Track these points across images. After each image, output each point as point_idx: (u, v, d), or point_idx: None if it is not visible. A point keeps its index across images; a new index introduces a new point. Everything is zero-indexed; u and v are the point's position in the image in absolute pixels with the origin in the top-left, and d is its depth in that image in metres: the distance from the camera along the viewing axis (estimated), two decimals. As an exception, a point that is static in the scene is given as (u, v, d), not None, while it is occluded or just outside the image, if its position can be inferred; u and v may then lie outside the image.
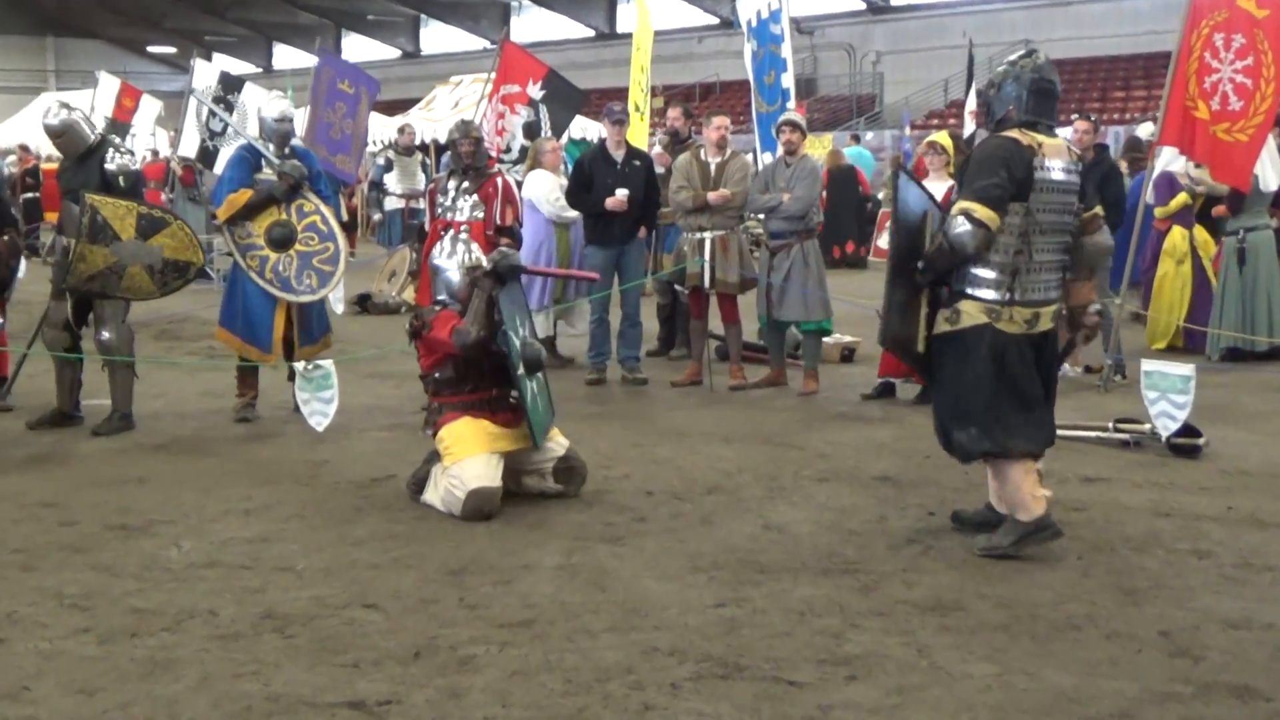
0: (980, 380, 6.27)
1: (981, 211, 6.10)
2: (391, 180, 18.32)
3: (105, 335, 9.14)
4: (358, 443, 8.87)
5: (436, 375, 7.39)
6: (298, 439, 8.90)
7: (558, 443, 7.49)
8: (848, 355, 12.41)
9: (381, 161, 19.10)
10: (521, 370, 7.22)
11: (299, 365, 8.89)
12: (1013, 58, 6.51)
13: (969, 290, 6.28)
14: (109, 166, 9.13)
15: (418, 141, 20.66)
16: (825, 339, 11.60)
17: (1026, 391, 6.32)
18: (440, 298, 7.62)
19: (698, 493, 7.54)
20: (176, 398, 10.51)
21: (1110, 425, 8.88)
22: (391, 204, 18.37)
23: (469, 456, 7.05)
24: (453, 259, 7.55)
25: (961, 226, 6.14)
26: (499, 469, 7.13)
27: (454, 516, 6.96)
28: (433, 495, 7.18)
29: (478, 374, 7.34)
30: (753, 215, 11.54)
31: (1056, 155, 6.29)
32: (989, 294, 6.24)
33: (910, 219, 6.49)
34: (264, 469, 8.15)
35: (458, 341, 7.16)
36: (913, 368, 7.43)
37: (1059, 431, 8.75)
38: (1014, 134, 6.27)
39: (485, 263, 7.47)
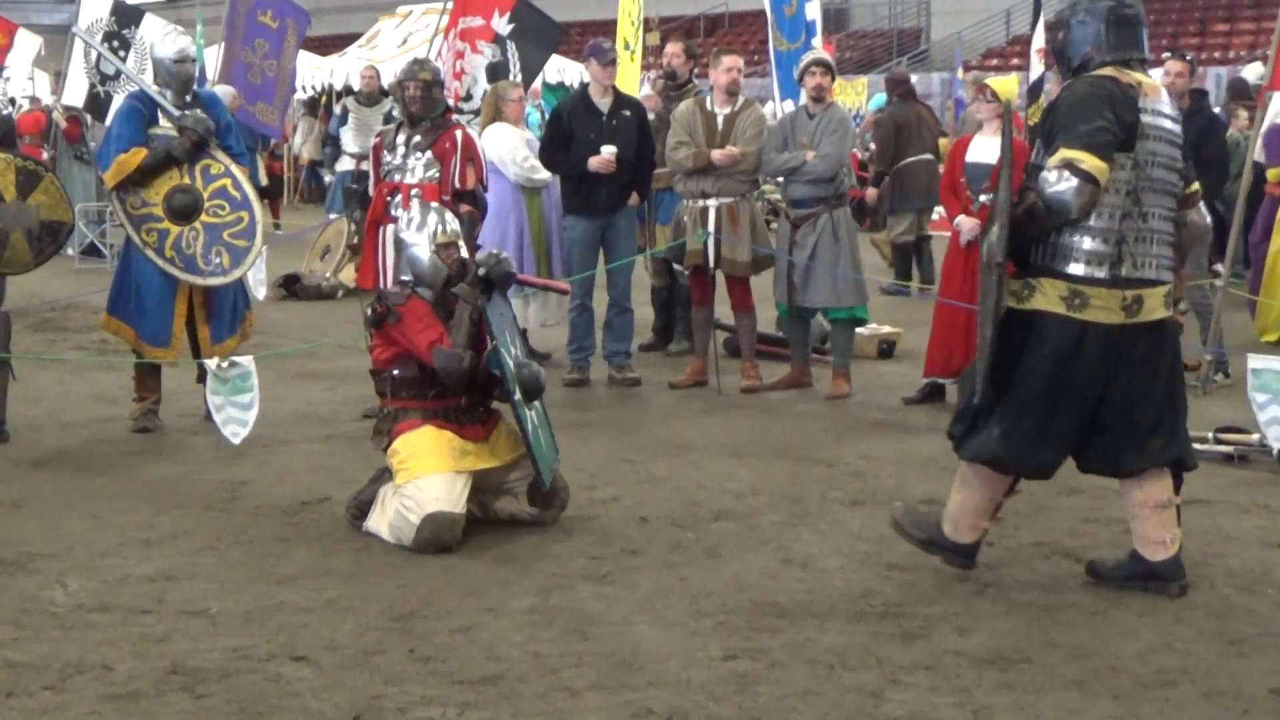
0: (1029, 377, 6.28)
1: (1090, 161, 6.05)
2: (348, 136, 18.18)
3: (-26, 325, 9.15)
4: (284, 458, 8.88)
5: (395, 373, 7.38)
6: (210, 454, 8.91)
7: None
8: (886, 350, 12.43)
9: (338, 111, 19.05)
10: (519, 396, 7.21)
11: (210, 363, 8.89)
12: None
13: (1055, 264, 6.25)
14: None
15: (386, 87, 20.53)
16: (859, 330, 11.63)
17: (1084, 404, 6.30)
18: (405, 278, 7.62)
19: (702, 519, 7.55)
20: (60, 403, 10.52)
21: (1210, 436, 8.91)
22: (343, 165, 18.26)
23: (428, 474, 7.06)
24: (422, 232, 7.51)
25: (1066, 182, 6.09)
26: (464, 493, 7.14)
27: (404, 548, 6.97)
28: (379, 521, 7.19)
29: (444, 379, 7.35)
30: (769, 178, 11.57)
31: (1157, 94, 6.31)
32: (1082, 269, 6.20)
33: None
34: (168, 491, 8.15)
35: (442, 367, 7.16)
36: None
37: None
38: (1109, 71, 6.28)
39: (465, 250, 7.49)
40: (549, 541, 7.17)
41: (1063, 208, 6.13)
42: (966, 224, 10.05)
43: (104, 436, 9.50)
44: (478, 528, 7.27)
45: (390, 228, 9.67)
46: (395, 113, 16.35)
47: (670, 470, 8.54)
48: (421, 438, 7.20)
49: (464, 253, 7.58)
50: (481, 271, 7.36)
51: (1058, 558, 6.89)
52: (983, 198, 10.03)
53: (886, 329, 12.57)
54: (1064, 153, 6.11)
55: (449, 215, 7.73)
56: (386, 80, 20.28)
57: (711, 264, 10.83)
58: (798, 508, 7.78)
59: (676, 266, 11.75)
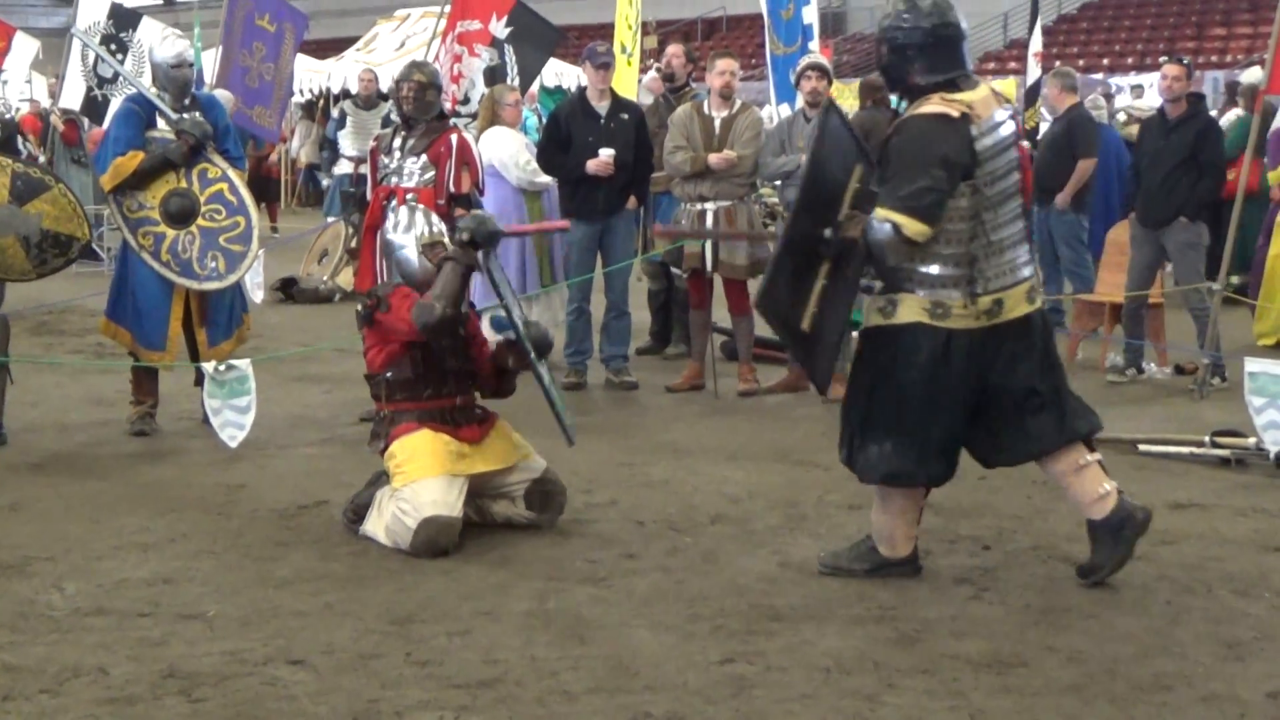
0: (909, 389, 6.37)
1: (911, 227, 6.15)
2: (345, 140, 18.17)
3: (-29, 328, 9.14)
4: (281, 462, 8.88)
5: (389, 375, 7.38)
6: (207, 457, 8.91)
7: (532, 462, 7.51)
8: (884, 353, 12.40)
9: (336, 115, 19.06)
10: (534, 354, 7.28)
11: (208, 366, 8.89)
12: (900, 5, 6.45)
13: (911, 288, 6.36)
14: None
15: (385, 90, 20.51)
16: (855, 333, 11.61)
17: (951, 409, 6.41)
18: (396, 281, 7.62)
19: (699, 523, 7.55)
20: (58, 406, 10.51)
21: (1207, 439, 8.91)
22: (341, 168, 18.25)
23: (425, 478, 7.06)
24: (409, 233, 7.52)
25: (883, 234, 6.20)
26: (460, 496, 7.14)
27: (401, 551, 6.97)
28: (376, 525, 7.18)
29: (439, 376, 7.35)
30: (766, 182, 11.57)
31: (988, 109, 6.34)
32: (940, 294, 6.32)
33: (831, 173, 6.50)
34: (166, 494, 8.15)
35: (418, 319, 7.14)
36: (789, 348, 7.43)
37: (1143, 446, 8.84)
38: (937, 106, 6.27)
39: (447, 236, 7.48)
40: (546, 545, 7.17)
41: (880, 255, 6.28)
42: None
43: (101, 440, 9.49)
44: (475, 531, 7.27)
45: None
46: (393, 116, 16.37)
47: (667, 474, 8.55)
48: (418, 441, 7.19)
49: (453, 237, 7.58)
50: (465, 236, 7.33)
51: (1054, 562, 6.89)
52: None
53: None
54: (886, 213, 6.18)
55: (435, 216, 7.74)
56: (385, 84, 20.32)
57: (709, 267, 10.83)
58: (795, 511, 7.78)
59: (674, 270, 11.75)
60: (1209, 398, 10.69)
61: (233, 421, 8.77)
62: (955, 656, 5.69)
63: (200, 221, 9.40)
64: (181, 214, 9.37)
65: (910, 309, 6.33)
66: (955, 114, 6.21)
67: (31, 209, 9.00)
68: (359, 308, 7.54)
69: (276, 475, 8.54)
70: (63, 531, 7.39)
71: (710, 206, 10.78)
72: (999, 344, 6.39)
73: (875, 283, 6.47)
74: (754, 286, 11.04)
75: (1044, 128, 15.10)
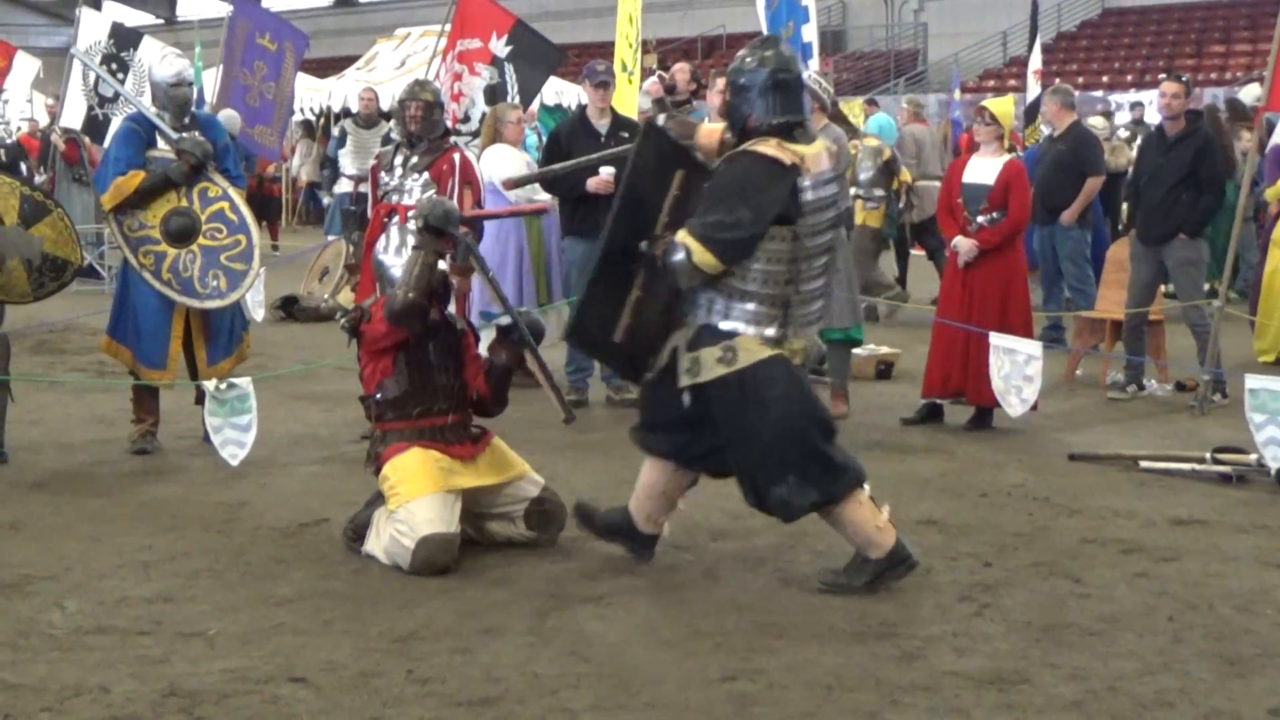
0: (785, 420, 6.48)
1: (700, 256, 6.30)
2: (346, 158, 18.18)
3: (-27, 348, 9.14)
4: (282, 480, 8.87)
5: (378, 396, 7.39)
6: (208, 475, 8.91)
7: (530, 480, 7.50)
8: (884, 371, 12.44)
9: (336, 133, 19.08)
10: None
11: (209, 385, 8.89)
12: (744, 51, 6.69)
13: (739, 328, 6.48)
14: None
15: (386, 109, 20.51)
16: (858, 351, 11.62)
17: (827, 420, 6.67)
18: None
19: (700, 540, 7.55)
20: (58, 424, 10.51)
21: (1208, 456, 8.91)
22: (341, 187, 18.26)
23: (418, 497, 7.05)
24: (401, 254, 7.54)
25: (677, 257, 6.34)
26: (456, 511, 7.14)
27: (401, 570, 6.96)
28: (375, 545, 7.18)
29: (430, 392, 7.35)
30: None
31: (818, 164, 6.50)
32: (755, 329, 6.47)
33: (648, 185, 6.63)
34: (166, 512, 8.15)
35: (386, 311, 7.20)
36: (611, 366, 7.50)
37: (1145, 463, 8.86)
38: (772, 150, 6.40)
39: (445, 265, 7.50)
40: (547, 563, 7.17)
41: (672, 278, 6.45)
42: (964, 245, 10.07)
43: (102, 458, 9.49)
44: (475, 550, 7.27)
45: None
46: (393, 134, 16.33)
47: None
48: (409, 460, 7.19)
49: (444, 266, 7.58)
50: (420, 222, 7.36)
51: (1056, 579, 6.89)
52: (980, 219, 10.05)
53: (885, 350, 12.58)
54: (686, 235, 6.33)
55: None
56: (385, 103, 20.33)
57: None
58: (795, 529, 7.75)
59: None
60: (1210, 414, 10.69)
61: (234, 440, 8.75)
62: (957, 674, 5.68)
63: (201, 240, 9.40)
64: (182, 233, 9.37)
65: (752, 350, 6.47)
66: (787, 161, 6.36)
67: (35, 232, 9.01)
68: (343, 323, 7.56)
69: (277, 493, 8.54)
70: (64, 550, 7.38)
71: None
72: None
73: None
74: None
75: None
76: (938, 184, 18.14)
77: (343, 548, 7.36)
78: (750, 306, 6.45)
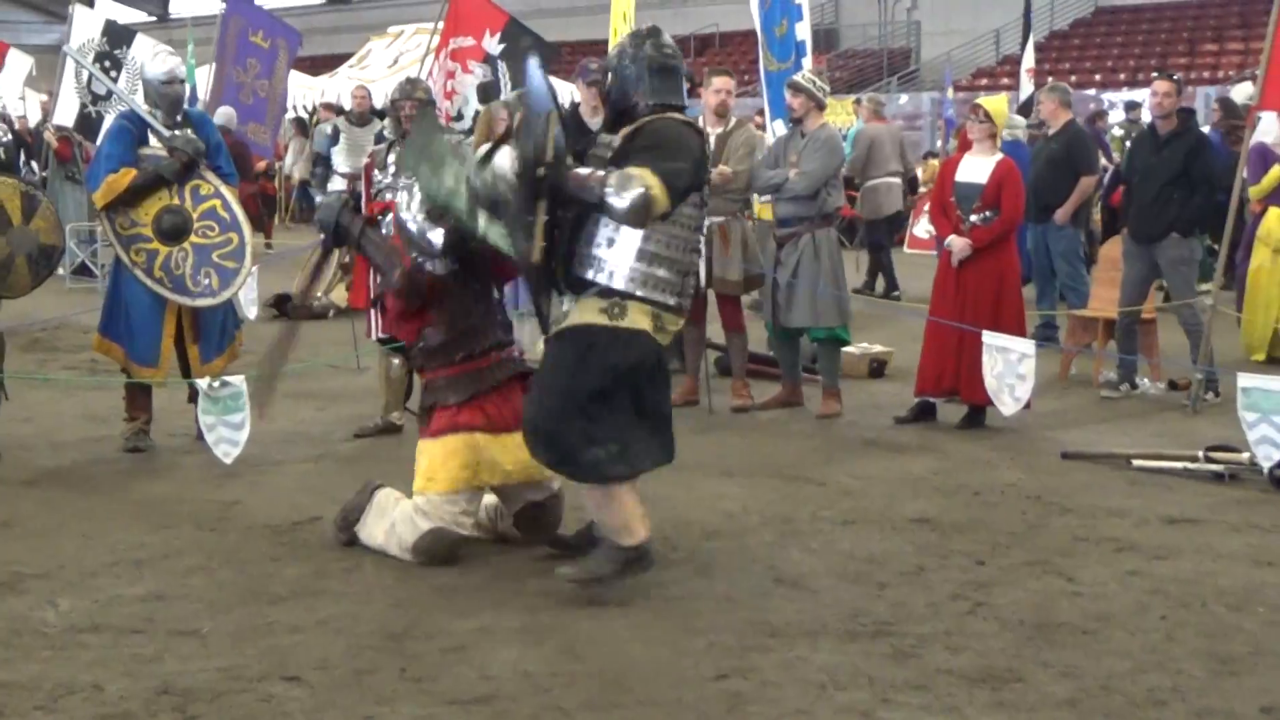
0: (641, 383, 6.54)
1: (661, 200, 6.31)
2: (339, 156, 18.12)
3: (-31, 346, 9.13)
4: (275, 478, 8.87)
5: (422, 344, 7.37)
6: (201, 473, 8.90)
7: (544, 487, 7.37)
8: (877, 369, 12.45)
9: (329, 130, 19.04)
10: (483, 224, 7.07)
11: (201, 383, 8.88)
12: (624, 38, 6.87)
13: (640, 293, 6.47)
14: None
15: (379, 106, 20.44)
16: (850, 349, 11.63)
17: (659, 407, 6.69)
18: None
19: (694, 538, 7.55)
20: (51, 422, 10.50)
21: (1200, 454, 8.92)
22: (335, 185, 18.20)
23: (450, 491, 7.07)
24: (412, 206, 7.45)
25: (637, 192, 6.29)
26: (476, 514, 7.22)
27: (396, 567, 6.96)
28: (374, 527, 7.15)
29: (471, 332, 7.31)
30: (759, 195, 11.58)
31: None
32: (659, 296, 6.50)
33: (539, 114, 6.61)
34: (159, 510, 8.14)
35: (394, 292, 7.30)
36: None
37: (1137, 461, 8.86)
38: (679, 117, 6.62)
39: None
40: (538, 561, 7.16)
41: (619, 216, 6.37)
42: (957, 244, 10.09)
43: (95, 456, 9.48)
44: (469, 548, 7.26)
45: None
46: (386, 132, 16.26)
47: (661, 489, 8.52)
48: (448, 449, 7.15)
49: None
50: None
51: (1049, 576, 6.89)
52: (973, 218, 10.06)
53: (877, 348, 12.58)
54: (646, 175, 6.31)
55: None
56: (378, 101, 20.30)
57: (704, 282, 10.83)
58: (789, 527, 7.78)
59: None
60: (1202, 413, 10.70)
61: (227, 438, 8.75)
62: (950, 672, 5.68)
63: (193, 238, 9.40)
64: (174, 231, 9.36)
65: (638, 316, 6.47)
66: (698, 126, 6.61)
67: (33, 226, 9.04)
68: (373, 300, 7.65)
69: (270, 491, 8.53)
70: (56, 548, 7.38)
71: (704, 221, 10.75)
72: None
73: None
74: (748, 302, 11.11)
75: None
76: (895, 181, 18.27)
77: (336, 545, 7.35)
78: (660, 273, 6.46)
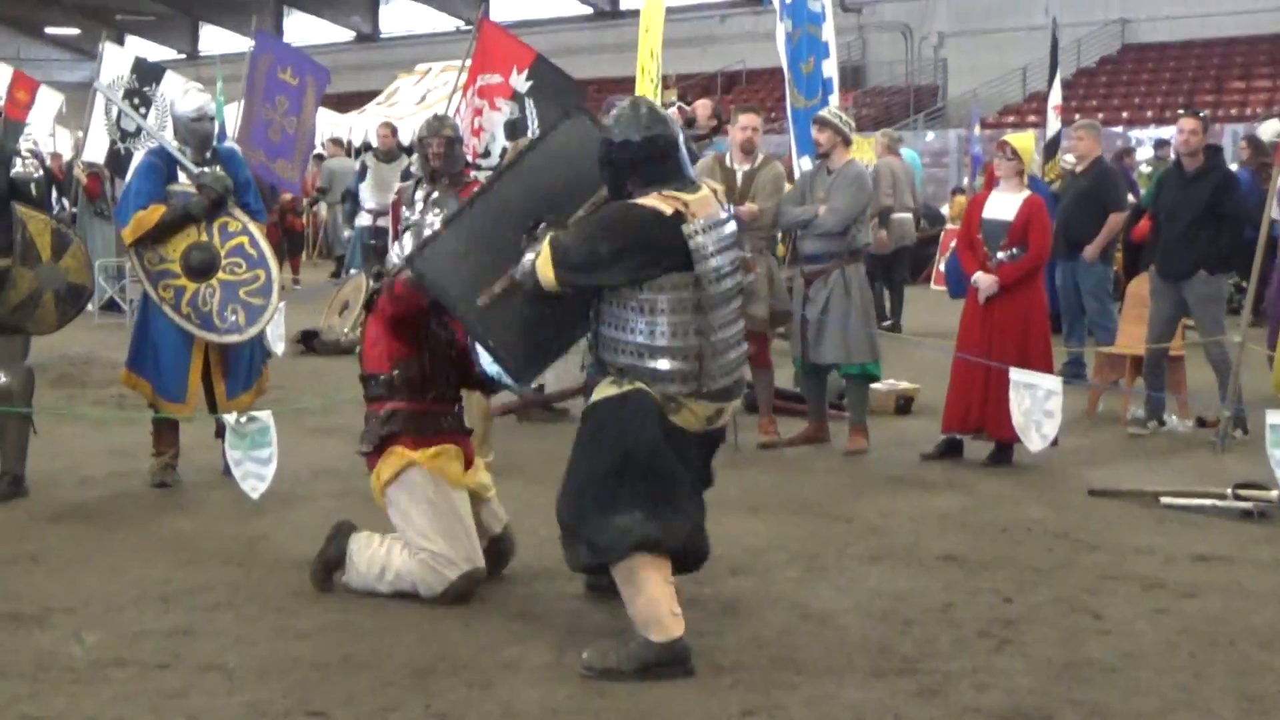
0: (654, 447, 6.21)
1: (544, 269, 6.15)
2: (365, 191, 18.17)
3: (2, 379, 9.11)
4: (301, 513, 8.87)
5: (395, 373, 7.35)
6: (227, 508, 8.91)
7: (493, 513, 7.46)
8: (904, 406, 12.43)
9: (358, 167, 19.12)
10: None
11: (229, 418, 8.90)
12: (609, 120, 6.42)
13: (645, 381, 6.23)
14: (17, 171, 9.15)
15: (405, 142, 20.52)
16: (877, 385, 11.61)
17: (686, 483, 6.37)
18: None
19: (719, 574, 7.53)
20: (79, 457, 10.53)
21: (1229, 491, 8.89)
22: (362, 220, 18.24)
23: (448, 534, 7.06)
24: (410, 243, 7.48)
25: (528, 257, 6.23)
26: (473, 533, 7.18)
27: (420, 603, 6.95)
28: (372, 574, 7.14)
29: (444, 375, 7.33)
30: (785, 231, 11.59)
31: (706, 208, 6.25)
32: (671, 388, 6.23)
33: (573, 171, 6.53)
34: (186, 545, 8.15)
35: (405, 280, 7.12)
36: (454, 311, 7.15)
37: (1165, 499, 8.82)
38: (652, 201, 6.17)
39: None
40: (566, 597, 7.16)
41: (523, 277, 6.28)
42: (984, 281, 10.08)
43: (122, 491, 9.51)
44: (494, 583, 7.27)
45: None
46: (413, 169, 16.26)
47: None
48: (414, 494, 7.15)
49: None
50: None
51: (1077, 614, 6.86)
52: (1000, 254, 10.06)
53: (904, 385, 12.56)
54: (547, 242, 6.17)
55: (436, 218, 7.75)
56: (405, 138, 20.37)
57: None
58: (815, 563, 7.76)
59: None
60: (1231, 450, 10.66)
61: (254, 473, 8.75)
62: (977, 710, 5.66)
63: (220, 275, 9.43)
64: (202, 267, 9.40)
65: (640, 386, 6.23)
66: (668, 210, 6.12)
67: (63, 264, 9.08)
68: (364, 298, 7.61)
69: (297, 527, 8.54)
70: (83, 582, 7.39)
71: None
72: (701, 445, 6.55)
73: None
74: (777, 340, 11.09)
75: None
76: (908, 216, 18.30)
77: (362, 581, 7.35)
78: (663, 365, 6.19)
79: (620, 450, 6.20)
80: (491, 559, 7.33)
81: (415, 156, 11.03)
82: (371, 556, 7.17)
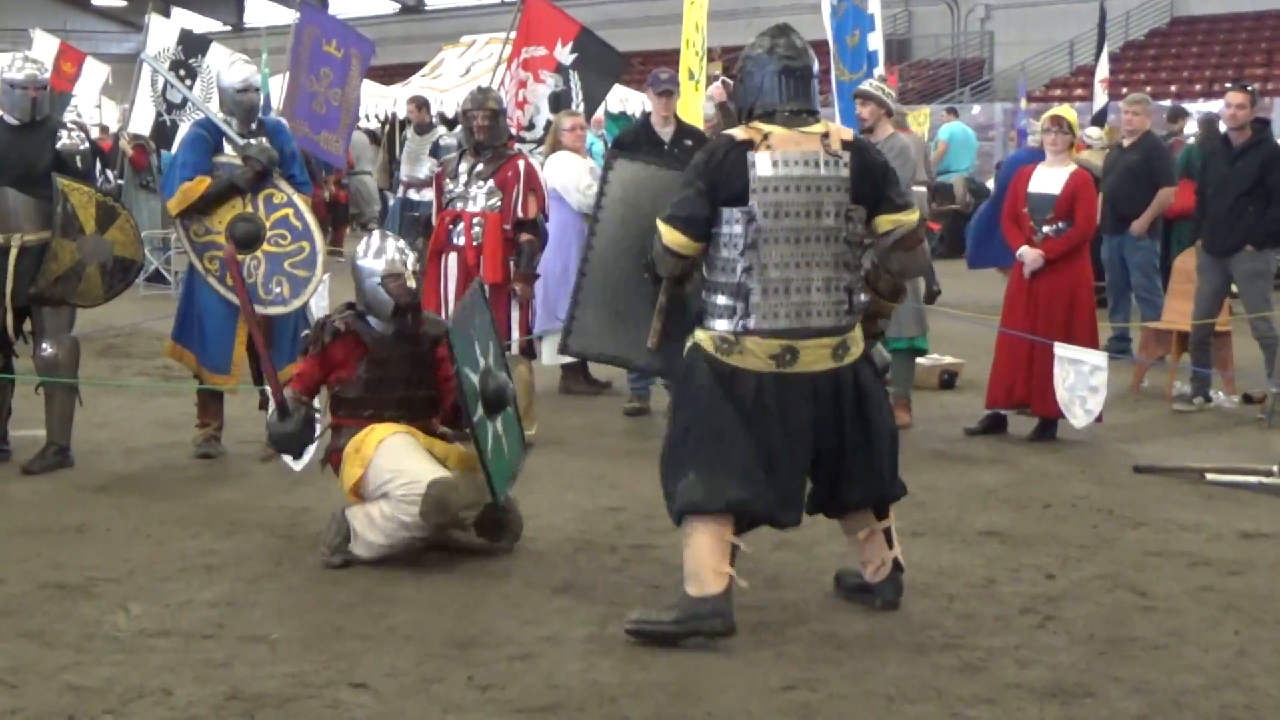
0: (705, 415, 6.20)
1: (669, 236, 6.17)
2: (403, 163, 18.26)
3: (48, 350, 9.17)
4: (345, 485, 8.89)
5: (336, 390, 7.50)
6: (271, 480, 8.95)
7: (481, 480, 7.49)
8: (948, 380, 12.39)
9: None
10: (479, 414, 7.09)
11: (273, 390, 8.92)
12: (754, 40, 6.47)
13: (705, 320, 6.27)
14: (64, 143, 9.19)
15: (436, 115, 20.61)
16: (921, 360, 11.58)
17: (768, 446, 6.20)
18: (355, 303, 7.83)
19: (762, 549, 7.52)
20: (124, 428, 10.59)
21: (1275, 469, 8.84)
22: (400, 193, 18.40)
23: (394, 460, 7.18)
24: (379, 259, 7.66)
25: (656, 243, 6.27)
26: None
27: (464, 576, 6.97)
28: (369, 533, 7.16)
29: (383, 401, 7.46)
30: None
31: (788, 145, 6.18)
32: (721, 324, 6.21)
33: (638, 214, 6.61)
34: (230, 516, 8.19)
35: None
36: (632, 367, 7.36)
37: (1211, 475, 8.77)
38: (735, 130, 6.27)
39: (413, 282, 7.67)
40: (607, 570, 7.17)
41: (658, 267, 6.34)
42: (1030, 255, 10.04)
43: (167, 462, 9.56)
44: (536, 556, 7.30)
45: (452, 256, 9.80)
46: (443, 140, 16.39)
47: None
48: (378, 431, 7.29)
49: (412, 283, 7.64)
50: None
51: (1121, 591, 6.84)
52: (1045, 229, 10.01)
53: (948, 359, 12.52)
54: (658, 222, 6.23)
55: (407, 247, 7.83)
56: (451, 109, 20.39)
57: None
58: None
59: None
60: (1277, 427, 10.60)
61: (297, 445, 8.78)
62: (1020, 686, 5.65)
63: (265, 246, 9.46)
64: (247, 239, 9.42)
65: (702, 336, 6.26)
66: (741, 136, 6.19)
67: (109, 236, 9.11)
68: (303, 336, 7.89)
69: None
70: (128, 553, 7.44)
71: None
72: (799, 393, 6.23)
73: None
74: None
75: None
76: (923, 190, 18.25)
77: (406, 551, 7.35)
78: (719, 300, 6.20)
79: (680, 410, 6.32)
80: (490, 527, 7.37)
81: (447, 129, 11.03)
82: (365, 516, 7.20)
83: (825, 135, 6.28)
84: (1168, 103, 28.34)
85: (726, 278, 6.18)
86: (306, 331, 7.81)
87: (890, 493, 6.55)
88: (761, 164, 6.13)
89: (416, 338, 7.57)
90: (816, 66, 6.45)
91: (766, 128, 6.21)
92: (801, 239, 6.18)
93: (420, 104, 19.56)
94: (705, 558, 6.10)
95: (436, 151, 18.12)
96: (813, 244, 6.20)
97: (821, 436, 6.30)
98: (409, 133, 18.82)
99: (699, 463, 6.15)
